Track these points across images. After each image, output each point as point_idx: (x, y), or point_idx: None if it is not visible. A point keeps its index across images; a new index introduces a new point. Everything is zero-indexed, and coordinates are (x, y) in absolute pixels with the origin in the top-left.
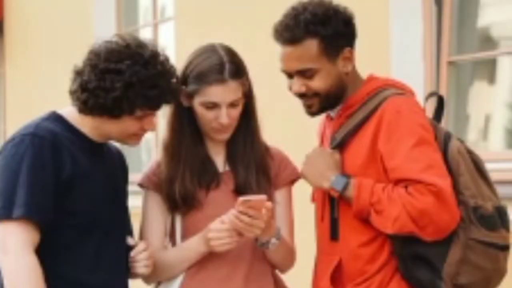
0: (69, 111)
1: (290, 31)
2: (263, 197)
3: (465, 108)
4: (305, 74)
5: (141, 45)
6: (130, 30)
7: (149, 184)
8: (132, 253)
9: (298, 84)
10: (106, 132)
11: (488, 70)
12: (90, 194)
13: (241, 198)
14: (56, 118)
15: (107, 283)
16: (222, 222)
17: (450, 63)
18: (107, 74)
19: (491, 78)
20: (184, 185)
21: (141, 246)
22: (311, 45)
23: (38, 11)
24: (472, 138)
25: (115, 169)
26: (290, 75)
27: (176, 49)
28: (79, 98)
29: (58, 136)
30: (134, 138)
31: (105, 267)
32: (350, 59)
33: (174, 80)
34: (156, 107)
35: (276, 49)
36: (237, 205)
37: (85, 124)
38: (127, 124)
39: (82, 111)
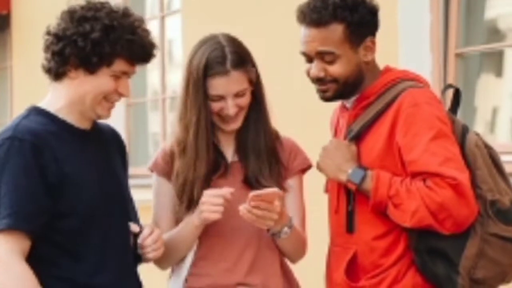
0: (49, 101)
1: (317, 13)
2: (274, 190)
3: (473, 100)
4: (325, 58)
5: (116, 4)
6: None
7: (158, 170)
8: (139, 240)
9: (318, 68)
10: (81, 101)
11: (496, 62)
12: (83, 192)
13: (252, 193)
14: (37, 112)
15: (116, 280)
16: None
17: (458, 55)
18: (84, 21)
19: (499, 70)
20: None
21: (146, 231)
22: (337, 30)
23: (45, 5)
24: (479, 130)
25: (110, 153)
26: (309, 59)
27: (183, 41)
28: (54, 51)
29: (39, 135)
30: (106, 105)
31: (111, 264)
32: (371, 48)
33: (150, 37)
34: (135, 56)
35: (285, 41)
36: (248, 200)
37: (63, 106)
38: (102, 81)
39: (57, 72)
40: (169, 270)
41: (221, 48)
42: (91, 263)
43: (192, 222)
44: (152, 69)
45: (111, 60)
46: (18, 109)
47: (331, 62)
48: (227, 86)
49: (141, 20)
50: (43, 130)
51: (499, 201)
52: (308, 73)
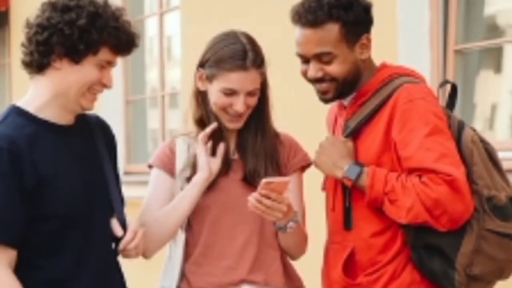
0: (29, 98)
1: (313, 13)
2: (285, 178)
3: (472, 97)
4: (323, 58)
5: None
6: (135, 20)
7: (160, 164)
8: (121, 245)
9: (315, 69)
10: (64, 94)
11: (495, 58)
12: (64, 193)
13: (264, 180)
14: (16, 113)
15: (95, 280)
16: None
17: (457, 52)
18: (69, 10)
19: (498, 67)
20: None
21: (129, 236)
22: (332, 30)
23: (43, 1)
24: (478, 127)
25: (96, 145)
26: (306, 60)
27: (182, 38)
28: (39, 41)
29: (16, 141)
30: (89, 97)
31: (91, 265)
32: (367, 46)
33: (132, 28)
34: (121, 46)
35: (284, 39)
36: (259, 188)
37: (45, 102)
38: (88, 70)
39: (40, 64)
40: (158, 268)
41: (242, 45)
42: (71, 264)
43: (189, 189)
44: (151, 66)
45: (97, 48)
46: None
47: (328, 62)
48: (244, 83)
49: (122, 10)
50: (21, 134)
51: (496, 197)
52: (304, 74)
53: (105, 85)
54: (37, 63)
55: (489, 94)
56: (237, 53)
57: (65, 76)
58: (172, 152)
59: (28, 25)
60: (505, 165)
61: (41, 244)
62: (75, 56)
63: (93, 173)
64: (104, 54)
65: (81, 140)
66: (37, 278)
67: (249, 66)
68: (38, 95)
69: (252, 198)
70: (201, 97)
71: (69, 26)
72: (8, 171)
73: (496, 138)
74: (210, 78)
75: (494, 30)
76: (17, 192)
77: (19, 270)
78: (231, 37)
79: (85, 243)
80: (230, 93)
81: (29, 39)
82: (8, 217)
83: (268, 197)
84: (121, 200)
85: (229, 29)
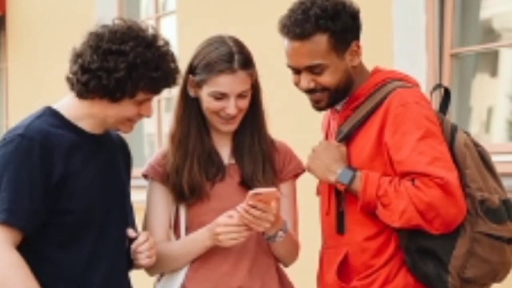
0: (65, 104)
1: (300, 26)
2: (273, 190)
3: (468, 101)
4: (314, 70)
5: (142, 27)
6: None
7: (154, 175)
8: (133, 245)
9: (307, 80)
10: (102, 119)
11: (491, 62)
12: (85, 192)
13: (251, 192)
14: (50, 113)
15: (107, 280)
16: (231, 216)
17: (453, 56)
18: (110, 55)
19: (494, 71)
20: (191, 176)
21: (142, 237)
22: (321, 41)
23: (40, 6)
24: (474, 131)
25: (115, 158)
26: (297, 71)
27: (178, 43)
28: (79, 80)
29: (49, 136)
30: (128, 124)
31: (104, 263)
32: (357, 52)
33: (174, 63)
34: (158, 90)
35: (279, 43)
36: (247, 199)
37: (81, 115)
38: (126, 108)
39: (81, 95)
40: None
41: (228, 48)
42: (84, 260)
43: (203, 241)
44: None
45: (134, 93)
46: (14, 110)
47: (319, 73)
48: (233, 85)
49: (166, 45)
50: (53, 131)
51: (489, 200)
52: (297, 84)
53: (143, 116)
54: (78, 93)
55: (485, 97)
56: (223, 56)
57: (104, 109)
58: (166, 160)
59: (73, 56)
60: (501, 168)
61: (57, 239)
62: (113, 98)
63: (112, 179)
64: (141, 95)
65: (105, 149)
66: (53, 272)
67: (237, 68)
68: (75, 107)
69: (240, 209)
70: (188, 108)
71: (107, 75)
72: (37, 163)
73: (492, 141)
74: (199, 84)
75: (489, 34)
76: (42, 185)
77: (35, 263)
78: (217, 41)
79: (99, 242)
80: (220, 96)
81: (74, 73)
82: (27, 206)
83: (256, 208)
84: (132, 211)
85: (226, 33)
